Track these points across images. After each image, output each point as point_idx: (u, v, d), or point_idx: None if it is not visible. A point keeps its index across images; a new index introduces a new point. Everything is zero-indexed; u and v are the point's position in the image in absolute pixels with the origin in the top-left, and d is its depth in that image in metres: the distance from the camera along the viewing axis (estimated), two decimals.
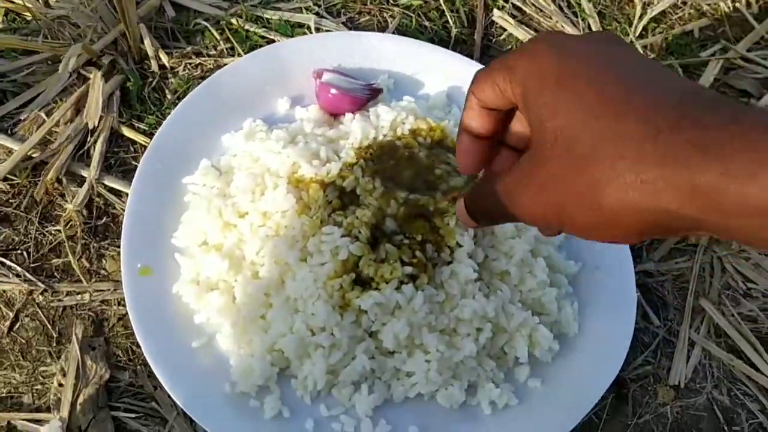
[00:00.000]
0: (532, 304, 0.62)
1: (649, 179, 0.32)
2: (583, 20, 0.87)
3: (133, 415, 0.57)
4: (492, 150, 0.44)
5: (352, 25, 0.81)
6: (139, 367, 0.59)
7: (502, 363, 0.61)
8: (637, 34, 0.88)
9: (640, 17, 0.89)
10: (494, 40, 0.84)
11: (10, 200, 0.64)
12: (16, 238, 0.63)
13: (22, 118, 0.68)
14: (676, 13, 0.91)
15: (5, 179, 0.64)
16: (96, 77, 0.69)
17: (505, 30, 0.85)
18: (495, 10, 0.85)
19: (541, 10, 0.87)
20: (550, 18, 0.86)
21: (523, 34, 0.84)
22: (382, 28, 0.81)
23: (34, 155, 0.65)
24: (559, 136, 0.35)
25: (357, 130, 0.66)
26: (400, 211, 0.59)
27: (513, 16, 0.86)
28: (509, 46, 0.84)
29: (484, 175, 0.46)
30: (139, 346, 0.59)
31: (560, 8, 0.88)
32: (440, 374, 0.57)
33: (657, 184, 0.32)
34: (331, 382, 0.59)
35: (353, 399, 0.58)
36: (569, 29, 0.85)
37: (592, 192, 0.34)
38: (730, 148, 0.30)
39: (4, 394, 0.57)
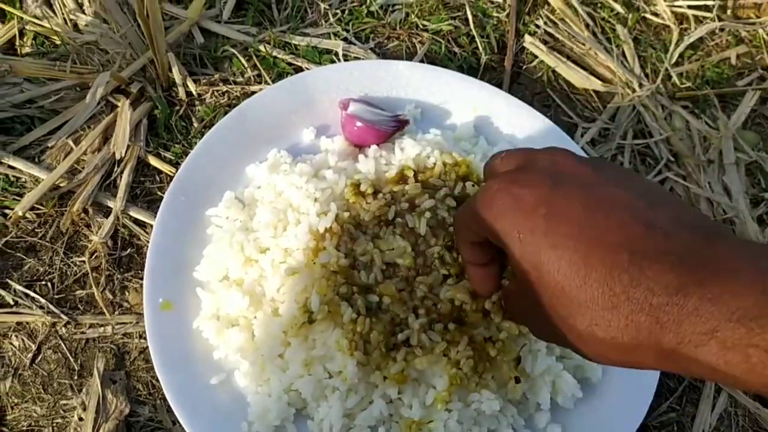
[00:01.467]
0: (555, 348, 0.61)
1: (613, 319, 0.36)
2: (617, 47, 0.85)
3: None
4: (497, 269, 0.49)
5: (380, 50, 0.80)
6: (158, 401, 0.60)
7: (522, 409, 0.60)
8: (672, 61, 0.85)
9: (677, 43, 0.86)
10: (524, 66, 0.83)
11: (36, 230, 0.65)
12: (41, 269, 0.63)
13: (49, 145, 0.69)
14: (713, 40, 0.88)
15: (32, 209, 0.65)
16: (124, 106, 0.70)
17: (536, 57, 0.83)
18: (526, 36, 0.84)
19: (573, 37, 0.85)
20: (583, 45, 0.84)
21: (554, 61, 0.82)
22: (411, 54, 0.80)
23: (61, 185, 0.66)
24: (532, 278, 0.39)
25: (371, 169, 0.66)
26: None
27: (545, 42, 0.84)
28: (540, 74, 0.82)
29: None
30: (159, 381, 0.59)
31: (594, 34, 0.85)
32: (460, 424, 0.56)
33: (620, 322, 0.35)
34: (347, 426, 0.58)
35: None
36: (602, 56, 0.83)
37: (577, 338, 0.38)
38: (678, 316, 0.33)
39: (24, 428, 0.58)
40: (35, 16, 0.75)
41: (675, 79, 0.84)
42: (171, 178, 0.68)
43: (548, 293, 0.38)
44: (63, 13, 0.76)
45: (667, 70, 0.84)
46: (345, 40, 0.79)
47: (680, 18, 0.89)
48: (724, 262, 0.33)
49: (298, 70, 0.76)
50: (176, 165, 0.69)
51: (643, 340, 0.34)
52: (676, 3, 0.89)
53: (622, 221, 0.36)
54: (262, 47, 0.76)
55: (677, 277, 0.33)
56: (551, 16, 0.86)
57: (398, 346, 0.58)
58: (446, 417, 0.57)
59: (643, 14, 0.89)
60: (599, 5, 0.88)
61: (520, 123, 0.74)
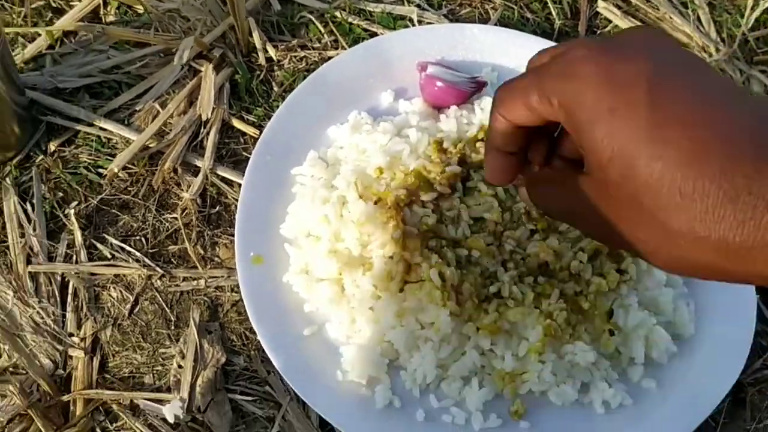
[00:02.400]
0: (648, 304, 0.60)
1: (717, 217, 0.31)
2: (693, 11, 0.84)
3: (248, 398, 0.59)
4: (523, 162, 0.43)
5: (453, 17, 0.81)
6: (253, 352, 0.61)
7: (615, 363, 0.60)
8: (749, 26, 0.84)
9: (752, 8, 0.85)
10: (599, 32, 0.82)
11: (129, 188, 0.66)
12: (135, 225, 0.65)
13: (137, 108, 0.70)
14: None
15: (124, 168, 0.66)
16: (208, 70, 0.71)
17: (610, 21, 0.82)
18: (600, 1, 0.83)
19: (648, 0, 0.84)
20: (658, 9, 0.84)
21: (629, 25, 0.81)
22: (484, 20, 0.81)
23: (150, 145, 0.67)
24: (620, 164, 0.33)
25: (453, 127, 0.66)
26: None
27: (618, 7, 0.83)
28: None
29: (540, 176, 0.44)
30: (252, 332, 0.60)
31: None
32: (554, 375, 0.56)
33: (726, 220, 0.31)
34: (440, 376, 0.58)
35: (463, 393, 0.58)
36: (678, 20, 0.82)
37: (665, 242, 0.33)
38: None
39: (126, 374, 0.59)
40: None
41: (752, 43, 0.83)
42: (254, 139, 0.69)
43: (636, 182, 0.33)
44: None
45: (744, 34, 0.83)
46: (418, 6, 0.80)
47: None
48: None
49: (374, 35, 0.77)
50: (259, 127, 0.70)
51: (760, 240, 0.30)
52: None
53: (742, 111, 0.32)
54: (337, 14, 0.77)
55: None
56: None
57: (490, 298, 0.58)
58: (540, 368, 0.57)
59: None
60: None
61: None
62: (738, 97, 0.33)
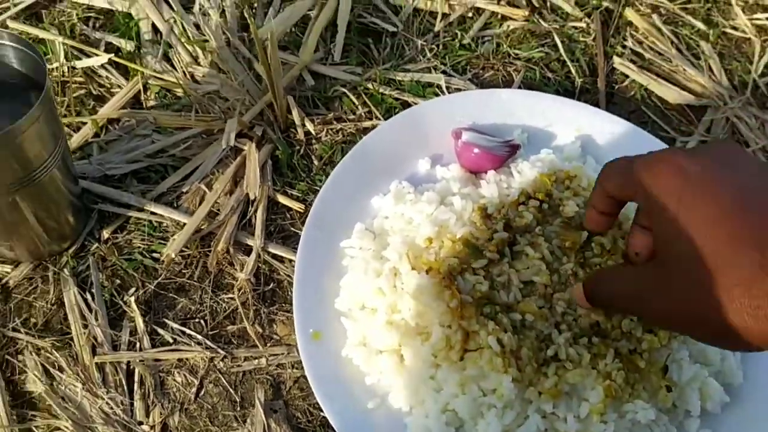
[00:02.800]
0: (698, 356, 0.62)
1: (762, 305, 0.36)
2: (704, 62, 0.87)
3: None
4: (613, 221, 0.54)
5: (477, 80, 0.84)
6: (318, 428, 0.62)
7: (673, 417, 0.61)
8: (759, 72, 0.88)
9: (760, 55, 0.89)
10: (617, 86, 0.86)
11: (183, 271, 0.68)
12: (193, 307, 0.67)
13: (184, 191, 0.73)
14: None
15: (179, 251, 0.68)
16: (251, 149, 0.73)
17: (627, 76, 0.86)
18: (615, 57, 0.87)
19: (660, 54, 0.88)
20: (670, 61, 0.87)
21: (645, 79, 0.85)
22: (508, 82, 0.84)
23: (202, 227, 0.69)
24: (683, 257, 0.40)
25: (494, 192, 0.69)
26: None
27: (633, 62, 0.87)
28: (632, 92, 0.85)
29: (607, 267, 0.54)
30: (317, 408, 0.62)
31: (679, 51, 0.88)
32: None
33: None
34: None
35: None
36: (691, 71, 0.86)
37: (715, 314, 0.38)
38: None
39: None
40: (156, 71, 0.79)
41: (763, 89, 0.87)
42: (300, 214, 0.72)
43: (684, 265, 0.40)
44: (181, 67, 0.80)
45: (754, 81, 0.87)
46: (444, 72, 0.83)
47: (760, 30, 0.92)
48: None
49: (405, 103, 0.80)
50: (303, 201, 0.72)
51: None
52: (754, 16, 0.92)
53: None
54: (369, 85, 0.80)
55: None
56: (636, 35, 0.89)
57: (548, 361, 0.60)
58: (603, 429, 0.58)
59: (723, 29, 0.92)
60: (680, 23, 0.92)
61: (624, 140, 0.76)
62: None
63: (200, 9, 0.84)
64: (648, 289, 0.45)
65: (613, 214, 0.53)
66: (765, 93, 0.86)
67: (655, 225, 0.43)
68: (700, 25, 0.91)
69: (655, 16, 0.90)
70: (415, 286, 0.61)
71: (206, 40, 0.81)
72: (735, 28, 0.92)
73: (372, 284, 0.63)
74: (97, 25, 0.84)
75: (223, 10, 0.85)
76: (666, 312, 0.44)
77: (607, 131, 0.77)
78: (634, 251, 0.51)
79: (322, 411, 0.59)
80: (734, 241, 0.38)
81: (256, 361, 0.64)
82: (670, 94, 0.84)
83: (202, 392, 0.63)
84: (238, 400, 0.63)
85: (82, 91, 0.79)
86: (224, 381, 0.63)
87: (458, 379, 0.60)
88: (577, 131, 0.77)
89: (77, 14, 0.84)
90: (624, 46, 0.88)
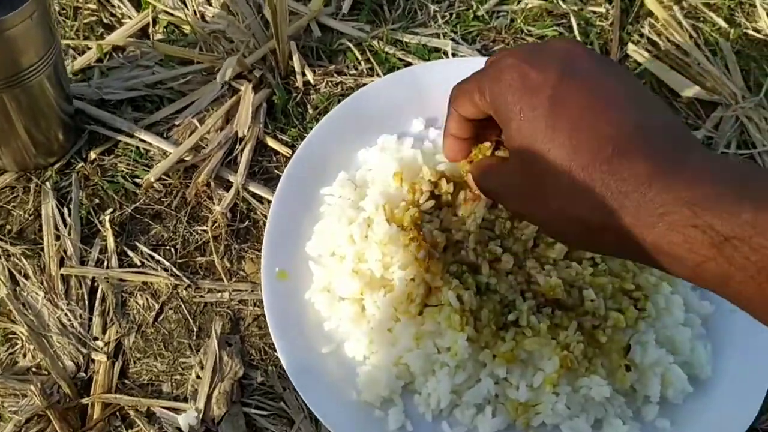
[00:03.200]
0: (665, 342, 0.61)
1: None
2: (721, 59, 0.85)
3: (263, 413, 0.60)
4: (472, 143, 0.55)
5: (486, 52, 0.83)
6: (270, 367, 0.62)
7: (630, 400, 0.60)
8: None
9: None
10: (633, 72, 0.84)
11: (162, 199, 0.68)
12: (166, 235, 0.67)
13: (176, 123, 0.73)
14: None
15: (159, 179, 0.69)
16: (247, 89, 0.74)
17: (639, 64, 0.84)
18: (630, 44, 0.85)
19: (677, 46, 0.86)
20: (687, 54, 0.85)
21: (658, 68, 0.83)
22: None
23: (186, 158, 0.70)
24: (524, 154, 0.44)
25: None
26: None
27: (648, 51, 0.85)
28: (643, 80, 0.83)
29: (489, 157, 0.55)
30: (271, 347, 0.62)
31: (697, 45, 0.86)
32: (568, 408, 0.57)
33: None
34: (454, 402, 0.59)
35: (475, 420, 0.58)
36: (706, 66, 0.84)
37: (544, 197, 0.43)
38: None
39: (145, 381, 0.61)
40: (168, 6, 0.80)
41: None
42: (287, 158, 0.71)
43: (534, 170, 0.43)
44: (193, 5, 0.81)
45: None
46: (453, 40, 0.82)
47: None
48: (690, 165, 0.38)
49: (408, 65, 0.79)
50: (292, 147, 0.72)
51: (606, 221, 0.39)
52: None
53: (616, 118, 0.40)
54: (375, 43, 0.80)
55: (646, 169, 0.38)
56: (655, 26, 0.87)
57: (507, 326, 0.59)
58: (554, 400, 0.57)
59: (744, 30, 0.89)
60: (701, 19, 0.89)
61: None
62: (631, 103, 0.42)
63: None
64: (506, 186, 0.49)
65: (471, 138, 0.54)
66: None
67: (505, 135, 0.46)
68: (721, 22, 0.88)
69: (676, 8, 0.88)
70: (384, 235, 0.60)
71: None
72: (757, 30, 0.89)
73: (344, 231, 0.63)
74: None
75: None
76: (516, 206, 0.50)
77: None
78: (448, 154, 0.56)
79: (276, 350, 0.59)
80: (573, 150, 0.41)
81: (219, 294, 0.64)
82: (682, 86, 0.82)
83: (161, 317, 0.63)
84: (195, 329, 0.63)
85: (93, 18, 0.80)
86: (184, 309, 0.64)
87: (414, 333, 0.59)
88: None
89: None
90: (641, 35, 0.86)
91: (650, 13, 0.88)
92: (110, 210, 0.67)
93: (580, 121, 0.41)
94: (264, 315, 0.60)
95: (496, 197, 0.55)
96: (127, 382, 0.61)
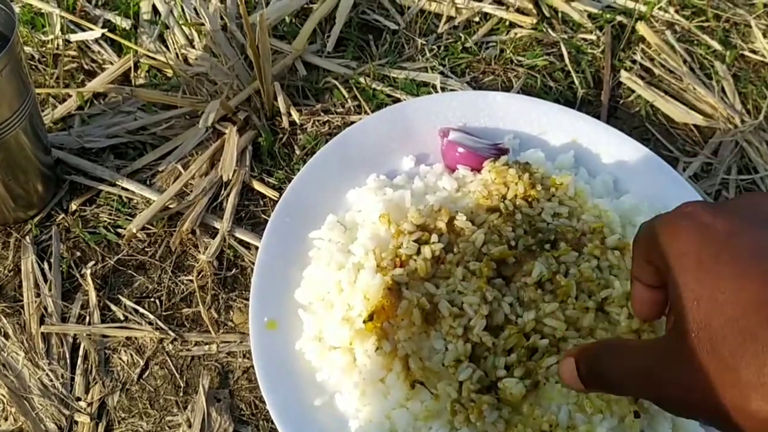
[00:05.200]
0: None
1: None
2: (717, 83, 0.83)
3: None
4: (665, 299, 0.43)
5: (476, 84, 0.81)
6: (261, 422, 0.59)
7: None
8: None
9: None
10: (621, 101, 0.82)
11: (146, 249, 0.66)
12: (150, 286, 0.64)
13: (160, 169, 0.71)
14: None
15: (143, 228, 0.66)
16: (231, 132, 0.72)
17: (633, 91, 0.82)
18: (622, 71, 0.83)
19: (671, 71, 0.84)
20: (681, 80, 0.83)
21: (652, 96, 0.81)
22: (507, 88, 0.81)
23: (171, 206, 0.68)
24: (702, 330, 0.33)
25: (476, 190, 0.65)
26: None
27: (641, 77, 0.83)
28: (637, 108, 0.81)
29: (607, 340, 0.46)
30: (262, 401, 0.59)
31: (692, 70, 0.84)
32: None
33: None
34: None
35: None
36: (702, 91, 0.82)
37: (739, 397, 0.31)
38: None
39: None
40: (149, 50, 0.79)
41: None
42: (274, 202, 0.69)
43: (719, 329, 0.32)
44: (175, 48, 0.79)
45: None
46: (441, 73, 0.81)
47: None
48: None
49: (397, 101, 0.77)
50: (279, 190, 0.70)
51: None
52: None
53: None
54: (362, 79, 0.78)
55: None
56: (648, 51, 0.86)
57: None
58: None
59: (740, 51, 0.88)
60: (696, 42, 0.88)
61: (621, 154, 0.72)
62: None
63: None
64: (662, 367, 0.36)
65: (661, 289, 0.43)
66: None
67: (671, 290, 0.36)
68: (716, 45, 0.87)
69: (668, 33, 0.87)
70: (368, 286, 0.58)
71: (203, 24, 0.80)
72: (754, 52, 0.87)
73: (333, 277, 0.60)
74: (100, 2, 0.84)
75: None
76: (686, 398, 0.35)
77: (603, 143, 0.73)
78: (637, 307, 0.45)
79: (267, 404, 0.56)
80: (761, 316, 0.31)
81: (207, 346, 0.62)
82: (677, 113, 0.80)
83: (146, 374, 0.61)
84: (182, 385, 0.60)
85: (74, 65, 0.78)
86: (170, 364, 0.61)
87: (406, 391, 0.56)
88: (573, 141, 0.73)
89: None
90: (633, 61, 0.85)
91: (642, 39, 0.87)
92: (92, 263, 0.65)
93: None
94: (254, 367, 0.58)
95: (629, 384, 0.40)
96: None
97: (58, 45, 0.79)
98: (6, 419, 0.58)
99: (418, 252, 0.58)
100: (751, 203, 0.38)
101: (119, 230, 0.67)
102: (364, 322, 0.55)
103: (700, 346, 0.33)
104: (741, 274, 0.33)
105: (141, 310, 0.63)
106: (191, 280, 0.64)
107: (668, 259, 0.37)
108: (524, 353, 0.55)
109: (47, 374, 0.59)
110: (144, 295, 0.64)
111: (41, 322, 0.62)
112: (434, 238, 0.59)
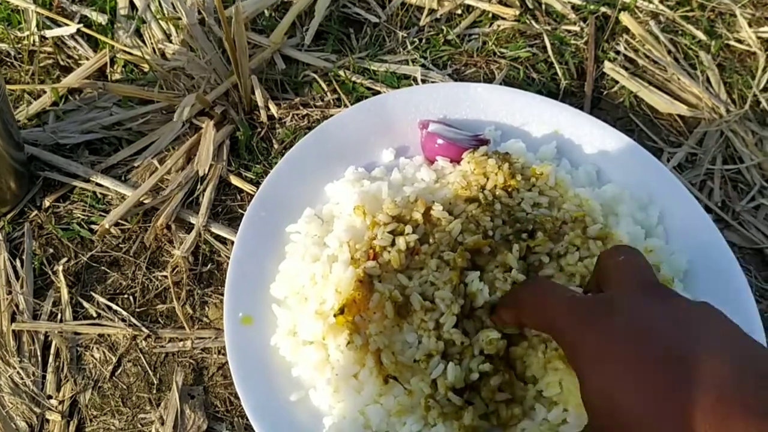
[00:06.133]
0: None
1: None
2: (701, 73, 0.82)
3: None
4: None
5: (458, 76, 0.80)
6: (236, 419, 0.58)
7: None
8: (761, 87, 0.82)
9: (764, 69, 0.83)
10: (605, 92, 0.81)
11: (121, 245, 0.65)
12: (124, 283, 0.63)
13: (135, 165, 0.70)
14: None
15: (117, 224, 0.65)
16: (208, 127, 0.71)
17: (616, 82, 0.81)
18: (606, 62, 0.82)
19: (655, 62, 0.83)
20: (665, 70, 0.82)
21: (636, 86, 0.80)
22: (489, 80, 0.80)
23: (145, 201, 0.67)
24: (600, 400, 0.38)
25: (455, 181, 0.64)
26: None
27: (625, 68, 0.82)
28: (621, 99, 0.80)
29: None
30: (237, 397, 0.58)
31: (676, 60, 0.83)
32: None
33: None
34: None
35: None
36: (686, 81, 0.81)
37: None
38: None
39: None
40: (126, 45, 0.78)
41: (764, 104, 0.81)
42: (252, 196, 0.68)
43: (620, 423, 0.36)
44: (152, 43, 0.78)
45: (755, 95, 0.81)
46: (423, 66, 0.80)
47: (766, 44, 0.86)
48: None
49: (377, 94, 0.76)
50: (257, 184, 0.69)
51: None
52: (761, 29, 0.87)
53: (713, 362, 0.35)
54: (341, 73, 0.77)
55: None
56: (632, 42, 0.85)
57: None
58: None
59: (726, 41, 0.87)
60: (680, 32, 0.87)
61: (604, 144, 0.71)
62: (720, 344, 0.36)
63: None
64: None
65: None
66: (766, 108, 0.81)
67: (581, 383, 0.41)
68: (701, 35, 0.86)
69: (652, 23, 0.86)
70: (339, 279, 0.56)
71: (180, 18, 0.79)
72: (740, 41, 0.86)
73: (307, 270, 0.59)
74: None
75: None
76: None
77: (586, 134, 0.72)
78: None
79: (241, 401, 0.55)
80: (663, 396, 0.35)
81: (181, 343, 0.61)
82: (661, 103, 0.79)
83: (119, 371, 0.59)
84: (155, 382, 0.59)
85: (50, 61, 0.77)
86: (144, 361, 0.60)
87: (379, 386, 0.55)
88: (556, 132, 0.72)
89: None
90: (617, 52, 0.84)
91: (626, 30, 0.86)
92: (65, 259, 0.64)
93: (670, 361, 0.36)
94: (229, 364, 0.57)
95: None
96: None
97: (33, 41, 0.78)
98: None
99: (393, 243, 0.57)
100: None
101: (93, 226, 0.66)
102: (335, 315, 0.54)
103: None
104: (636, 370, 0.37)
105: (114, 306, 0.62)
106: (166, 276, 0.63)
107: (573, 356, 0.42)
108: (501, 346, 0.54)
109: (18, 372, 0.58)
110: (117, 291, 0.63)
111: (12, 319, 0.60)
112: (408, 229, 0.58)
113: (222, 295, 0.62)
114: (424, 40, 0.83)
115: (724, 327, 0.39)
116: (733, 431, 0.32)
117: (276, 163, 0.69)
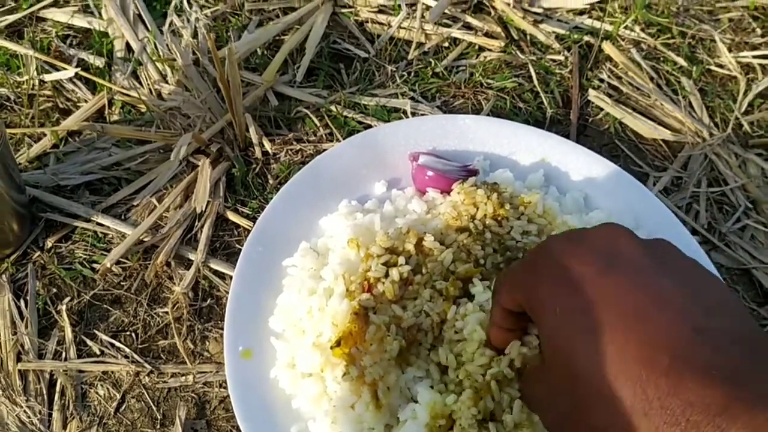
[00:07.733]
0: None
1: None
2: (684, 98, 0.85)
3: None
4: (520, 334, 0.50)
5: (446, 108, 0.82)
6: None
7: None
8: (742, 110, 0.85)
9: (745, 93, 0.86)
10: (590, 119, 0.83)
11: (122, 283, 0.67)
12: (126, 320, 0.65)
13: (135, 204, 0.72)
14: None
15: (118, 263, 0.67)
16: (204, 164, 0.73)
17: (601, 109, 0.84)
18: (591, 90, 0.85)
19: (638, 89, 0.85)
20: (648, 96, 0.85)
21: (620, 113, 0.83)
22: (477, 111, 0.82)
23: (145, 239, 0.68)
24: (560, 360, 0.38)
25: (445, 211, 0.66)
26: None
27: (609, 96, 0.85)
28: (606, 126, 0.83)
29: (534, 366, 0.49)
30: (239, 430, 0.59)
31: (659, 86, 0.86)
32: None
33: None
34: None
35: None
36: (669, 107, 0.83)
37: (580, 411, 0.36)
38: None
39: None
40: (123, 87, 0.80)
41: (746, 127, 0.83)
42: (248, 232, 0.70)
43: (572, 378, 0.36)
44: (149, 84, 0.81)
45: (737, 119, 0.84)
46: (412, 99, 0.82)
47: (746, 68, 0.89)
48: None
49: (368, 127, 0.79)
50: (253, 219, 0.71)
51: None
52: (741, 54, 0.90)
53: (670, 322, 0.34)
54: (333, 107, 0.80)
55: (722, 396, 0.30)
56: (615, 70, 0.87)
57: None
58: None
59: (707, 66, 0.89)
60: (662, 59, 0.89)
61: (591, 171, 0.73)
62: (687, 301, 0.36)
63: (170, 26, 0.85)
64: (529, 382, 0.44)
65: (517, 331, 0.49)
66: (748, 131, 0.83)
67: (540, 334, 0.40)
68: (681, 61, 0.88)
69: (634, 51, 0.89)
70: (336, 312, 0.58)
71: (175, 59, 0.82)
72: (720, 66, 0.89)
73: (305, 304, 0.61)
74: (74, 42, 0.86)
75: (197, 32, 0.85)
76: (555, 424, 0.40)
77: (573, 162, 0.74)
78: (492, 344, 0.51)
79: None
80: (618, 358, 0.34)
81: (183, 378, 0.62)
82: (646, 129, 0.82)
83: (123, 407, 0.61)
84: (159, 417, 0.60)
85: (49, 104, 0.79)
86: (147, 397, 0.61)
87: (378, 415, 0.56)
88: (543, 160, 0.75)
89: (56, 32, 0.86)
90: (601, 80, 0.86)
91: (609, 58, 0.89)
92: (68, 299, 0.65)
93: (626, 323, 0.35)
94: (231, 397, 0.58)
95: (535, 409, 0.45)
96: None
97: (33, 85, 0.80)
98: None
99: (387, 275, 0.59)
100: (605, 239, 0.40)
101: (95, 265, 0.67)
102: (332, 347, 0.55)
103: (565, 394, 0.38)
104: (593, 328, 0.36)
105: (117, 344, 0.63)
106: (167, 312, 0.65)
107: (534, 306, 0.41)
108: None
109: (25, 411, 0.59)
110: (120, 328, 0.64)
111: (18, 359, 0.62)
112: (401, 260, 0.60)
113: (222, 329, 0.64)
114: (412, 74, 0.85)
115: (682, 262, 0.39)
116: (686, 393, 0.31)
117: (271, 198, 0.71)
